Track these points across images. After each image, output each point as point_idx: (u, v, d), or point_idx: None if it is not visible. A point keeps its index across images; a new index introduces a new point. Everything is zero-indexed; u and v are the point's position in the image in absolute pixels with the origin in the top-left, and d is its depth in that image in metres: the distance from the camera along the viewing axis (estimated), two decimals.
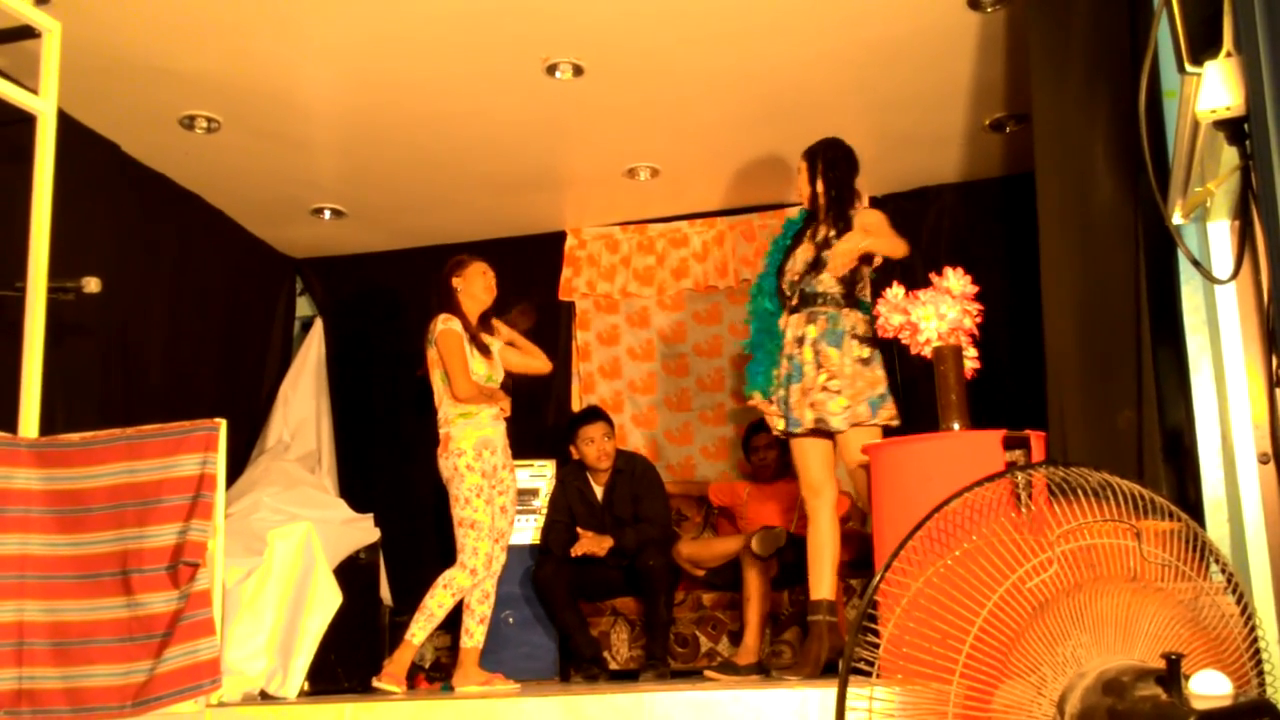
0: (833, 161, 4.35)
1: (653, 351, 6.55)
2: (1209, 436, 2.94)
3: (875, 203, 6.28)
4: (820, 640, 4.04)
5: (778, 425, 4.19)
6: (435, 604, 4.33)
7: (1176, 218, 2.74)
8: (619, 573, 5.27)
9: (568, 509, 5.40)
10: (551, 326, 6.62)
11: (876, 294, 3.96)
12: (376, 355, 6.72)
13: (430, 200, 6.16)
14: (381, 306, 6.81)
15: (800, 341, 4.12)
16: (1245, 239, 2.61)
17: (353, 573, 4.70)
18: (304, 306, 6.99)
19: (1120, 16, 3.43)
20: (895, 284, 3.91)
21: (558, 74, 4.81)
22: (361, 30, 4.45)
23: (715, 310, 6.43)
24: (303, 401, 6.31)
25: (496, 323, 4.82)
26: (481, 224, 6.44)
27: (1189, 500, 3.04)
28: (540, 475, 5.68)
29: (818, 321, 4.12)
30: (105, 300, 4.05)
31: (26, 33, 3.78)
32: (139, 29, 4.36)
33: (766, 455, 5.62)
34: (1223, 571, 2.05)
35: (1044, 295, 3.73)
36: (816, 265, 4.20)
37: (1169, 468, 3.18)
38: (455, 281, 4.66)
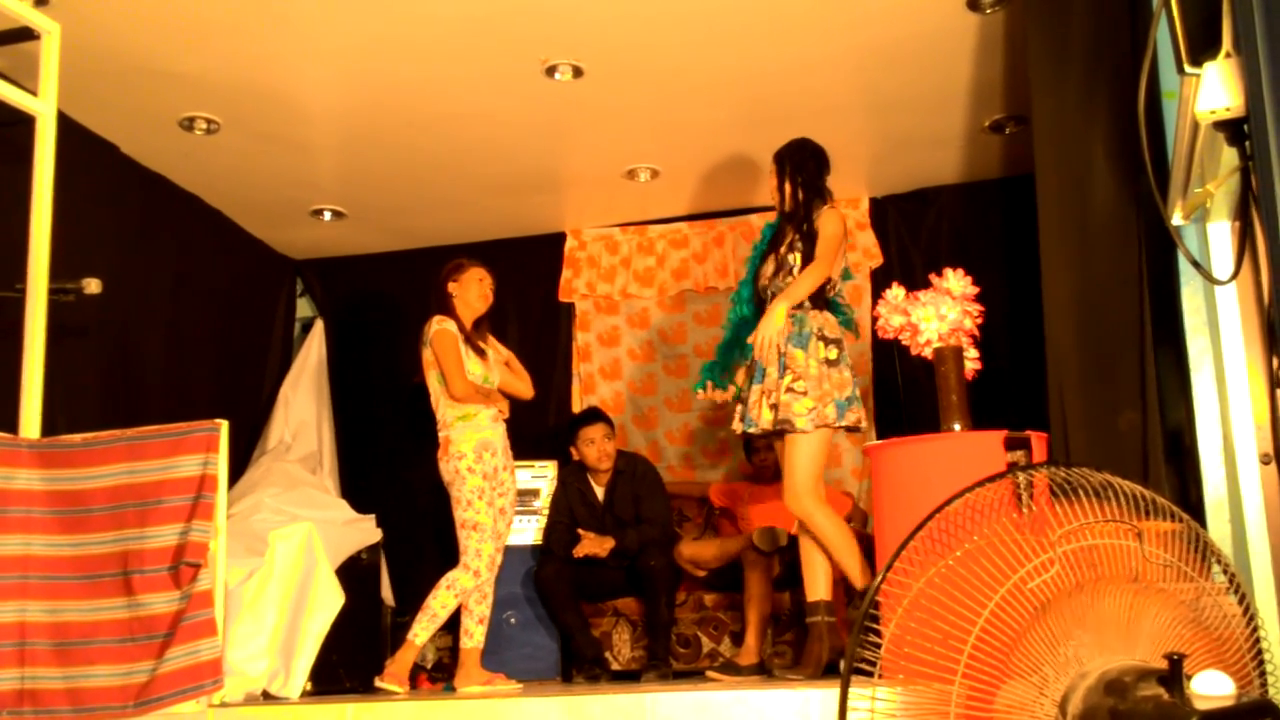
0: (801, 164, 4.31)
1: (653, 352, 6.55)
2: (1210, 437, 2.94)
3: (875, 204, 6.30)
4: (820, 641, 4.04)
5: (734, 424, 4.21)
6: (438, 605, 4.33)
7: (1176, 219, 2.74)
8: (620, 573, 5.27)
9: (569, 510, 5.40)
10: (552, 328, 6.63)
11: (876, 295, 3.97)
12: (377, 356, 6.72)
13: (430, 201, 6.16)
14: (381, 307, 6.81)
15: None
16: (1245, 240, 2.61)
17: (354, 573, 4.71)
18: (304, 307, 6.99)
19: (1119, 17, 3.43)
20: (895, 285, 3.91)
21: (557, 75, 4.82)
22: (361, 32, 4.45)
23: (715, 311, 6.42)
24: (303, 402, 6.31)
25: (495, 341, 4.79)
26: (481, 225, 6.45)
27: (1190, 501, 3.04)
28: (541, 476, 5.68)
29: (785, 324, 4.14)
30: (106, 301, 4.05)
31: (26, 34, 3.78)
32: (139, 30, 4.36)
33: (767, 456, 5.62)
34: (1224, 572, 2.05)
35: (1044, 296, 3.73)
36: (781, 268, 4.21)
37: (1170, 468, 3.18)
38: (451, 286, 4.65)
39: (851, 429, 4.11)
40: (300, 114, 5.11)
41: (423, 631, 4.33)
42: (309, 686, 4.20)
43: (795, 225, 4.23)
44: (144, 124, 5.09)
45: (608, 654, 5.31)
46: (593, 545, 5.20)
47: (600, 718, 3.21)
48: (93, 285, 3.75)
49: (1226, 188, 2.52)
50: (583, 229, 6.64)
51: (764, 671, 4.51)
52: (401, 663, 4.31)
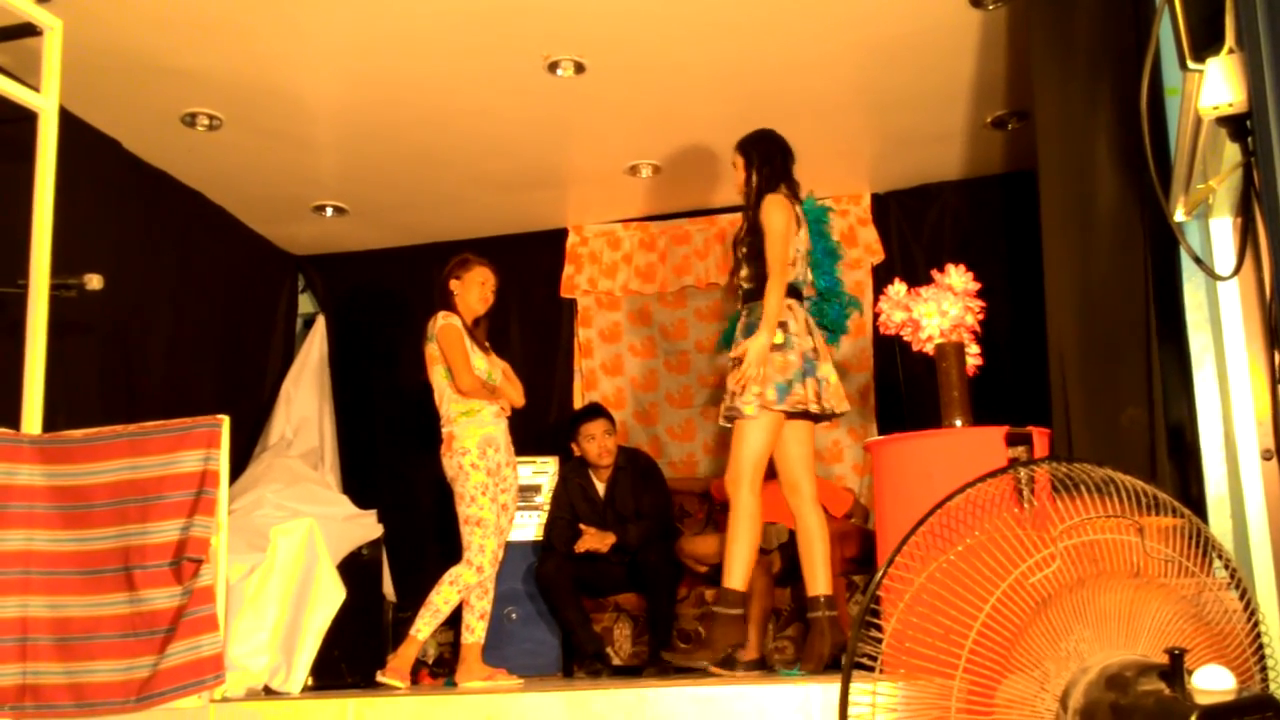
0: (769, 156, 4.29)
1: (654, 348, 6.55)
2: (1212, 433, 2.94)
3: (877, 200, 6.30)
4: (823, 635, 4.04)
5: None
6: (441, 600, 4.34)
7: (1178, 215, 2.74)
8: (622, 569, 5.28)
9: (570, 506, 5.41)
10: (553, 324, 6.63)
11: (878, 290, 3.96)
12: (378, 352, 6.72)
13: (432, 197, 6.16)
14: (383, 303, 6.81)
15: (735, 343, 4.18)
16: (1247, 236, 2.61)
17: (355, 568, 4.71)
18: (306, 304, 6.99)
19: (1123, 13, 3.43)
20: (897, 281, 3.91)
21: (559, 71, 4.81)
22: (363, 28, 4.45)
23: (717, 307, 6.43)
24: (305, 398, 6.31)
25: (494, 356, 4.74)
26: (483, 221, 6.44)
27: (1192, 496, 3.04)
28: (542, 472, 5.68)
29: (742, 317, 4.16)
30: (107, 297, 4.05)
31: (28, 30, 3.78)
32: (141, 26, 4.36)
33: None
34: (1226, 567, 2.05)
35: (1047, 292, 3.73)
36: (737, 265, 4.23)
37: (1172, 464, 3.18)
38: (453, 284, 4.64)
39: (798, 414, 4.07)
40: (302, 110, 5.11)
41: (425, 626, 4.33)
42: (310, 682, 4.20)
43: (746, 217, 4.23)
44: (146, 120, 5.09)
45: (609, 649, 5.32)
46: (594, 541, 5.20)
47: (601, 713, 3.21)
48: (94, 281, 3.75)
49: (1229, 184, 2.52)
50: (584, 224, 6.64)
51: (765, 667, 4.51)
52: (403, 657, 4.32)
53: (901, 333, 3.84)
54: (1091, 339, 3.53)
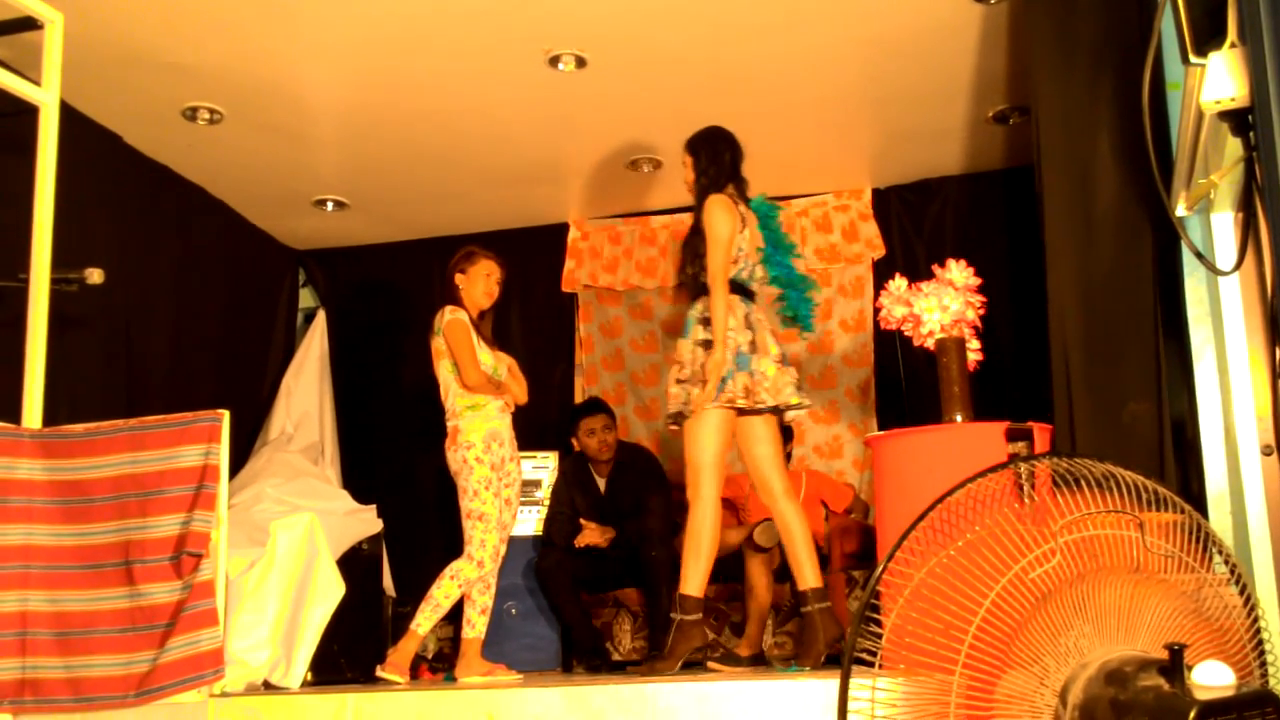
0: (716, 154, 4.25)
1: (655, 343, 6.55)
2: (1212, 428, 2.94)
3: (878, 195, 6.29)
4: (815, 629, 4.03)
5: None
6: (441, 595, 4.33)
7: (1180, 209, 2.74)
8: (621, 564, 5.28)
9: (570, 500, 5.41)
10: (554, 318, 6.63)
11: (879, 286, 3.96)
12: (379, 347, 6.73)
13: (433, 192, 6.15)
14: (384, 298, 6.81)
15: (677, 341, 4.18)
16: (1249, 230, 2.60)
17: (355, 563, 4.71)
18: (306, 298, 6.99)
19: (1124, 8, 3.43)
20: (898, 276, 3.91)
21: (560, 66, 4.81)
22: (364, 23, 4.44)
23: None
24: (305, 393, 6.31)
25: (499, 351, 4.72)
26: (484, 216, 6.44)
27: (1192, 491, 3.04)
28: (542, 467, 5.68)
29: (689, 312, 4.17)
30: (108, 291, 4.04)
31: (29, 24, 3.77)
32: (141, 20, 4.35)
33: None
34: (1226, 563, 2.05)
35: (1048, 287, 3.73)
36: (684, 261, 4.22)
37: (1173, 459, 3.18)
38: (458, 278, 4.62)
39: (750, 411, 4.05)
40: (304, 104, 5.10)
41: (426, 621, 4.33)
42: (310, 676, 4.20)
43: (696, 215, 4.19)
44: (147, 114, 5.09)
45: (608, 644, 5.32)
46: (594, 536, 5.20)
47: (601, 708, 3.21)
48: (95, 275, 3.74)
49: (1230, 178, 2.52)
50: (585, 220, 6.64)
51: (764, 662, 4.51)
52: (403, 652, 4.32)
53: (902, 328, 3.84)
54: (1094, 334, 3.53)
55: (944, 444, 3.51)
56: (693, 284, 4.16)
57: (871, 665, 1.99)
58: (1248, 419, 2.75)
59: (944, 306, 3.71)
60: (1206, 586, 2.01)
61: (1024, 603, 1.94)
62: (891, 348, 5.81)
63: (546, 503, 5.54)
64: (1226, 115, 2.20)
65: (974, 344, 3.82)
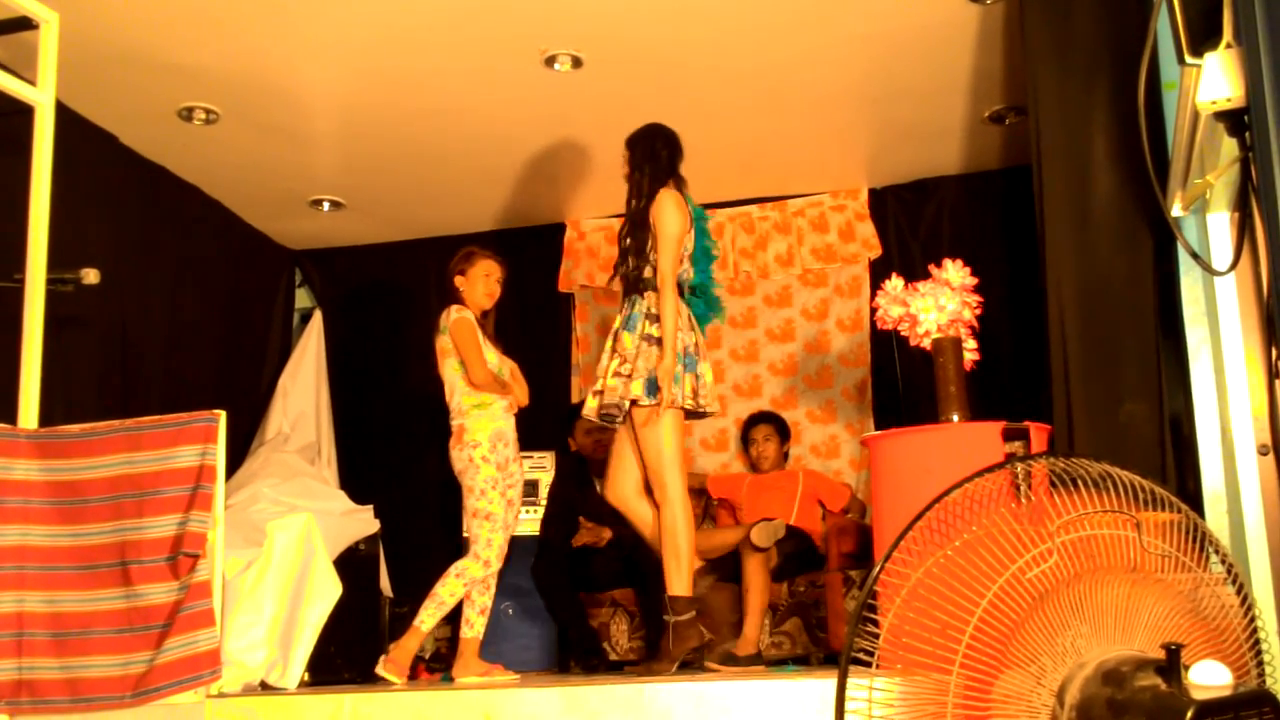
0: (652, 152, 4.21)
1: None
2: (1208, 428, 2.95)
3: (874, 195, 6.30)
4: (668, 639, 3.98)
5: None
6: (446, 593, 4.33)
7: (1176, 209, 2.74)
8: (618, 564, 5.27)
9: (567, 501, 5.40)
10: (551, 318, 6.63)
11: (875, 285, 3.95)
12: (376, 347, 6.72)
13: (429, 192, 6.15)
14: (381, 298, 6.80)
15: (615, 333, 4.13)
16: (1245, 230, 2.61)
17: (352, 564, 4.71)
18: (303, 298, 6.99)
19: (1121, 8, 3.43)
20: (894, 275, 3.91)
21: (556, 66, 4.81)
22: (360, 22, 4.44)
23: None
24: (302, 393, 6.31)
25: (503, 357, 4.71)
26: (481, 216, 6.44)
27: (1188, 491, 3.05)
28: (540, 466, 5.68)
29: (623, 309, 4.13)
30: (104, 291, 4.04)
31: (24, 24, 3.77)
32: (137, 20, 4.35)
33: (765, 447, 5.64)
34: (1222, 562, 2.05)
35: (1046, 287, 3.73)
36: (623, 257, 4.18)
37: (1170, 459, 3.19)
38: (458, 280, 4.60)
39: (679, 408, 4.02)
40: (300, 104, 5.10)
41: (429, 619, 4.33)
42: (307, 677, 4.20)
43: (638, 213, 4.16)
44: (143, 114, 5.08)
45: (605, 644, 5.31)
46: (591, 535, 5.20)
47: (599, 708, 3.21)
48: (91, 275, 3.74)
49: (1226, 178, 2.52)
50: (582, 219, 6.63)
51: (762, 662, 4.51)
52: (405, 649, 4.31)
53: (899, 328, 3.84)
54: (1091, 334, 3.54)
55: (941, 444, 3.51)
56: (635, 277, 4.12)
57: (869, 665, 1.99)
58: (1244, 419, 2.75)
59: (940, 306, 3.71)
60: (1203, 586, 2.01)
61: (1021, 602, 1.94)
62: (888, 348, 5.80)
63: (543, 503, 5.54)
64: (1222, 115, 2.20)
65: (971, 344, 3.82)
